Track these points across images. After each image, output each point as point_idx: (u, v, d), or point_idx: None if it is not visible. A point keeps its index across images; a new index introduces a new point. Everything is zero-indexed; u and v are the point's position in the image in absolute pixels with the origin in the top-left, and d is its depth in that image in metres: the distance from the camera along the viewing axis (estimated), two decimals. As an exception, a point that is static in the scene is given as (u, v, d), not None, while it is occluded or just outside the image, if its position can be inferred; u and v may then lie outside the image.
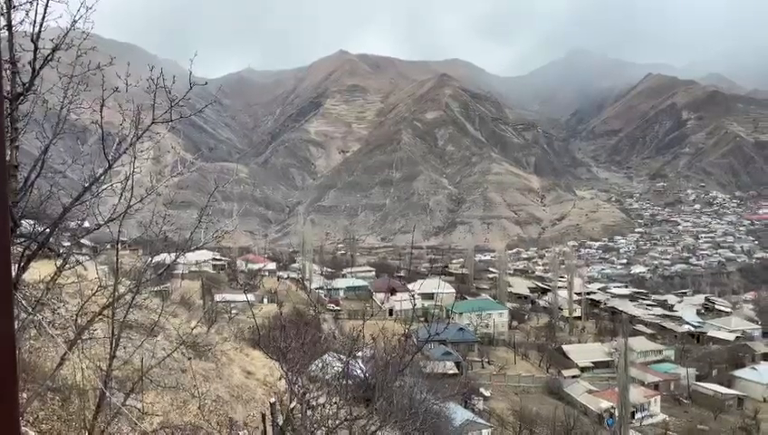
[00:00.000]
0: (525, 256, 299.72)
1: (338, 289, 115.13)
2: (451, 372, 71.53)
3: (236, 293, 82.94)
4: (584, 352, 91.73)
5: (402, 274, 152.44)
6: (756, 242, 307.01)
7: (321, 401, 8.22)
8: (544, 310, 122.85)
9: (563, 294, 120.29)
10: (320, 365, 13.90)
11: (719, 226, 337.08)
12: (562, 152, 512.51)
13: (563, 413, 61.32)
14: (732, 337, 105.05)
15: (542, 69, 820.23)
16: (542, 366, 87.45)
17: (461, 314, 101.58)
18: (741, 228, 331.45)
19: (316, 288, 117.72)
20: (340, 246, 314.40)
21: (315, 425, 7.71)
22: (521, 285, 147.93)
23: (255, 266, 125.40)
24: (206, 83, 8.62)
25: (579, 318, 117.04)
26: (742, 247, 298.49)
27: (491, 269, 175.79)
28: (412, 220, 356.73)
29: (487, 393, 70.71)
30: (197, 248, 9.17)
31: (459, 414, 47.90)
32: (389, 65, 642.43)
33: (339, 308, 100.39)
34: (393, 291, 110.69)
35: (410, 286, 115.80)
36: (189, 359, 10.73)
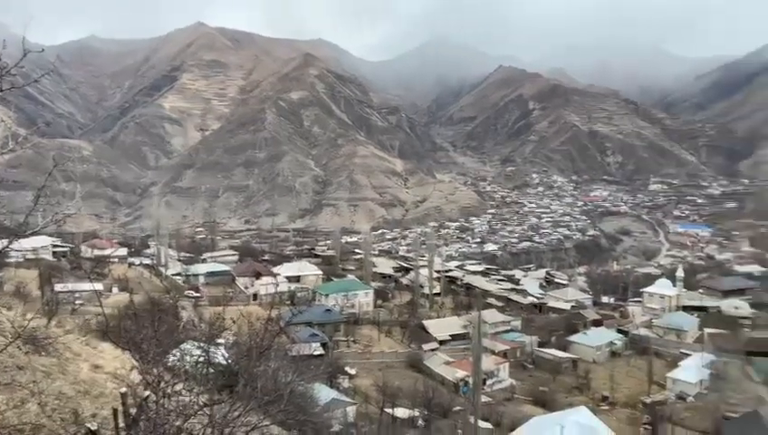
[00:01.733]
0: (390, 236, 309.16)
1: (197, 275, 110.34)
2: (317, 352, 72.15)
3: (81, 281, 76.34)
4: (443, 326, 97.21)
5: (267, 257, 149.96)
6: (589, 221, 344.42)
7: (178, 388, 7.94)
8: (407, 288, 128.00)
9: (424, 272, 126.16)
10: (178, 355, 13.34)
11: (559, 207, 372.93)
12: (424, 137, 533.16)
13: (423, 385, 64.76)
14: (568, 306, 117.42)
15: (406, 55, 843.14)
16: (405, 342, 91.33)
17: (327, 295, 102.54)
18: (576, 209, 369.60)
19: (173, 275, 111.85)
20: (199, 229, 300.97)
21: (171, 413, 7.43)
22: (385, 265, 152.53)
23: (103, 253, 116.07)
24: (43, 50, 7.77)
25: (438, 295, 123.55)
26: (577, 226, 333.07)
27: (357, 250, 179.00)
28: (277, 202, 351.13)
29: (352, 371, 72.45)
30: (34, 233, 8.32)
31: (325, 394, 48.60)
32: (250, 42, 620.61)
33: (199, 295, 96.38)
34: (258, 275, 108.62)
35: (276, 270, 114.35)
36: (27, 353, 9.77)
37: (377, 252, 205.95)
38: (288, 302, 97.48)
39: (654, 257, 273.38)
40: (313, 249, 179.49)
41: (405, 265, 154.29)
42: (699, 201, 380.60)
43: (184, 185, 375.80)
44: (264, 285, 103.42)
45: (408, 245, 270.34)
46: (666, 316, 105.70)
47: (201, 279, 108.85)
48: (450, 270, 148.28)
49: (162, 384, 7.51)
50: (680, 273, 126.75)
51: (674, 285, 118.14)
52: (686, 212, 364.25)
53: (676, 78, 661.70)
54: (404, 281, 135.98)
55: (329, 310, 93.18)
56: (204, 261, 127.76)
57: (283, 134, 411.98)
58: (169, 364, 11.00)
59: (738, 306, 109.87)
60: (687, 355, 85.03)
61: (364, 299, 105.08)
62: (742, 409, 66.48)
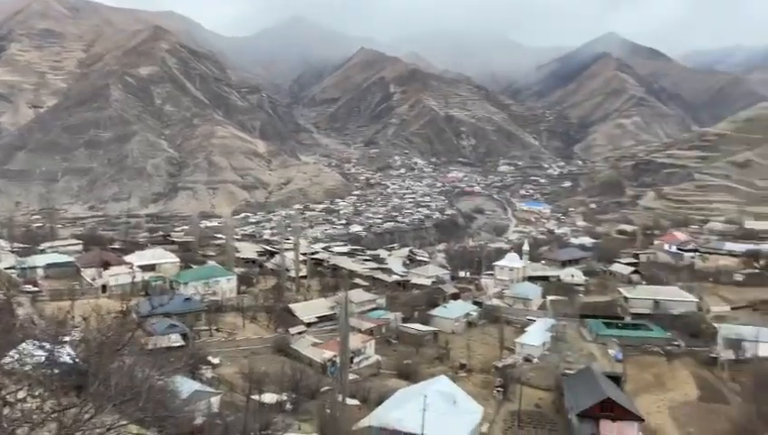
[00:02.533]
0: (253, 220, 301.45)
1: (35, 267, 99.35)
2: (177, 344, 68.78)
3: None
4: (309, 308, 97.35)
5: (117, 246, 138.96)
6: (446, 201, 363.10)
7: (21, 395, 7.08)
8: (273, 272, 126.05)
9: (290, 255, 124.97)
10: (16, 356, 11.95)
11: (419, 187, 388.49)
12: (287, 118, 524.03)
13: (291, 368, 64.54)
14: (429, 282, 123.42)
15: (266, 32, 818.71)
16: (271, 327, 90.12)
17: (186, 283, 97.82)
18: (435, 190, 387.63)
19: (6, 268, 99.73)
20: (35, 217, 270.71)
21: (15, 423, 6.62)
22: (249, 250, 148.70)
23: None
24: None
25: (305, 277, 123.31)
26: (436, 205, 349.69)
27: (218, 235, 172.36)
28: (127, 186, 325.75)
29: (216, 361, 70.12)
30: None
31: (187, 386, 46.57)
32: (91, 10, 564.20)
33: (38, 289, 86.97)
34: (106, 265, 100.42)
35: (127, 259, 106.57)
36: None
37: (239, 236, 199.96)
38: (142, 293, 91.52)
39: (504, 233, 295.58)
40: (169, 235, 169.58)
41: (270, 248, 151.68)
42: (541, 181, 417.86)
43: (15, 168, 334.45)
44: (114, 276, 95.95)
45: (272, 228, 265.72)
46: (514, 287, 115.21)
47: (40, 272, 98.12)
48: (316, 252, 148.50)
49: (3, 392, 6.65)
50: (526, 247, 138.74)
51: (521, 258, 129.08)
52: (531, 191, 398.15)
53: (521, 67, 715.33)
54: (269, 265, 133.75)
55: (188, 299, 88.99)
56: (42, 252, 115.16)
57: (132, 112, 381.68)
58: (7, 368, 9.83)
59: (574, 275, 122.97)
60: (533, 321, 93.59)
61: (227, 286, 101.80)
62: (577, 365, 74.93)
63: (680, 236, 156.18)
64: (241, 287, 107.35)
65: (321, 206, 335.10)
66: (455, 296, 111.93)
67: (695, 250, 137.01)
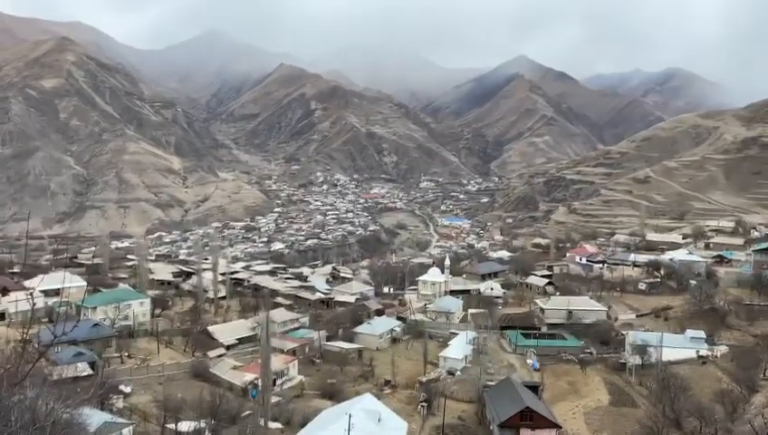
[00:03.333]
0: (168, 240, 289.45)
1: None
2: (84, 373, 64.33)
3: None
4: (229, 330, 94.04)
5: (17, 269, 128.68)
6: (370, 217, 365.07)
7: None
8: (190, 294, 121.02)
9: (209, 275, 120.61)
10: None
11: (342, 204, 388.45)
12: (204, 133, 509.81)
13: (209, 394, 61.84)
14: (353, 299, 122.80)
15: (181, 45, 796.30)
16: (188, 351, 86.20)
17: (95, 308, 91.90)
18: (358, 206, 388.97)
19: None
20: None
21: None
22: (164, 271, 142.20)
23: None
24: None
25: (224, 298, 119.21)
26: (359, 222, 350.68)
27: (130, 256, 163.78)
28: (28, 205, 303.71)
29: (128, 389, 66.07)
30: None
31: (96, 418, 43.45)
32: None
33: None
34: (5, 291, 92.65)
35: (28, 284, 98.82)
36: None
37: (153, 257, 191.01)
38: (45, 320, 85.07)
39: (426, 248, 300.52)
40: (76, 257, 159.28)
41: (186, 269, 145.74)
42: (461, 197, 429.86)
43: None
44: (13, 302, 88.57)
45: (189, 247, 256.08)
46: (437, 301, 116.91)
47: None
48: (236, 271, 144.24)
49: None
50: (447, 261, 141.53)
51: (443, 273, 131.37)
52: (451, 207, 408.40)
53: (439, 86, 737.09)
54: (186, 286, 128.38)
55: (97, 324, 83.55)
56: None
57: (34, 127, 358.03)
58: None
59: (493, 287, 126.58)
60: (455, 334, 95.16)
61: (139, 309, 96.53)
62: (498, 377, 76.78)
63: (589, 248, 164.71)
64: (155, 310, 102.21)
65: (241, 223, 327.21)
66: (379, 313, 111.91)
67: (603, 261, 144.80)
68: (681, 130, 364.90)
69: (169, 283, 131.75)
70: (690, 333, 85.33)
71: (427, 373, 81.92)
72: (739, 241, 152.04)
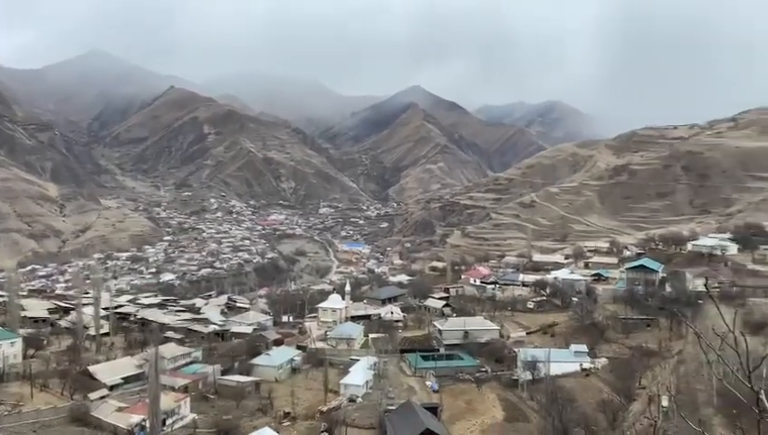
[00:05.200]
0: (43, 273, 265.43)
1: None
2: (-62, 428, 56.62)
3: None
4: (113, 369, 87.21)
5: None
6: (267, 244, 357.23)
7: None
8: (68, 331, 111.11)
9: (89, 311, 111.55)
10: None
11: (238, 231, 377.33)
12: (84, 158, 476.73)
13: (91, 440, 56.66)
14: (250, 330, 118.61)
15: (59, 65, 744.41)
16: (66, 394, 78.71)
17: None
18: (255, 233, 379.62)
19: None
20: None
21: None
22: (38, 307, 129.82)
23: None
24: None
25: (107, 334, 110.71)
26: (256, 249, 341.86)
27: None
28: None
29: (-7, 442, 58.97)
30: None
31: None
32: None
33: None
34: None
35: None
36: None
37: (26, 292, 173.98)
38: None
39: (326, 274, 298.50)
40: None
41: (64, 304, 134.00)
42: (360, 222, 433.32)
43: None
44: None
45: (67, 281, 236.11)
46: (337, 328, 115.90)
47: None
48: (121, 305, 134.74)
49: None
50: (348, 287, 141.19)
51: (343, 299, 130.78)
52: (351, 232, 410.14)
53: (336, 113, 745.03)
54: (63, 323, 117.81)
55: (-44, 371, 74.24)
56: None
57: None
58: None
59: (393, 312, 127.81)
60: (356, 361, 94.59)
61: (10, 350, 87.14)
62: (398, 400, 77.06)
63: (483, 270, 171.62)
64: (28, 351, 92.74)
65: (127, 254, 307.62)
66: (278, 343, 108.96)
67: (495, 282, 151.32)
68: (561, 159, 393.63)
69: (44, 320, 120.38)
70: (574, 347, 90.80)
71: (327, 402, 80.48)
72: (614, 260, 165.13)
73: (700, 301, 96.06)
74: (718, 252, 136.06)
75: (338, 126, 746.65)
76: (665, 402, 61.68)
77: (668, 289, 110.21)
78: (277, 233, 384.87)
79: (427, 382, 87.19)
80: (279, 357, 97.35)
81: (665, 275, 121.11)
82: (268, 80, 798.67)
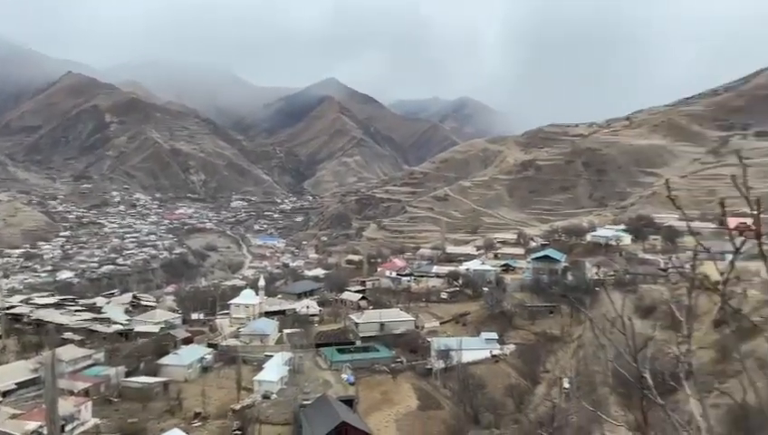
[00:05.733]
0: None
1: None
2: None
3: None
4: (5, 374, 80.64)
5: None
6: (175, 239, 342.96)
7: None
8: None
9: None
10: None
11: (143, 226, 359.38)
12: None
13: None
14: (157, 329, 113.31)
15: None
16: (-54, 405, 71.70)
17: None
18: (162, 227, 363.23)
19: None
20: None
21: None
22: None
23: None
24: None
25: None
26: (163, 244, 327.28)
27: None
28: None
29: None
30: None
31: None
32: None
33: None
34: None
35: None
36: None
37: None
38: None
39: (239, 270, 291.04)
40: None
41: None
42: (275, 216, 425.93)
43: None
44: None
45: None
46: (250, 324, 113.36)
47: None
48: (13, 306, 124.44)
49: None
50: (262, 282, 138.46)
51: (257, 294, 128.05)
52: (265, 226, 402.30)
53: (249, 104, 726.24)
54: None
55: None
56: None
57: None
58: None
59: (309, 306, 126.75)
60: (271, 357, 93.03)
61: None
62: (314, 395, 76.66)
63: (398, 262, 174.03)
64: None
65: (19, 251, 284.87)
66: (187, 341, 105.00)
67: (410, 274, 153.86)
68: (473, 154, 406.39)
69: None
70: (485, 335, 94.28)
71: (240, 400, 78.66)
72: (521, 251, 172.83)
73: (597, 288, 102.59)
74: (614, 242, 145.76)
75: (251, 117, 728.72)
76: (566, 384, 65.47)
77: (570, 278, 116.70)
78: (186, 227, 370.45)
79: (344, 375, 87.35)
80: (188, 356, 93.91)
81: (567, 264, 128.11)
82: (176, 67, 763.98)
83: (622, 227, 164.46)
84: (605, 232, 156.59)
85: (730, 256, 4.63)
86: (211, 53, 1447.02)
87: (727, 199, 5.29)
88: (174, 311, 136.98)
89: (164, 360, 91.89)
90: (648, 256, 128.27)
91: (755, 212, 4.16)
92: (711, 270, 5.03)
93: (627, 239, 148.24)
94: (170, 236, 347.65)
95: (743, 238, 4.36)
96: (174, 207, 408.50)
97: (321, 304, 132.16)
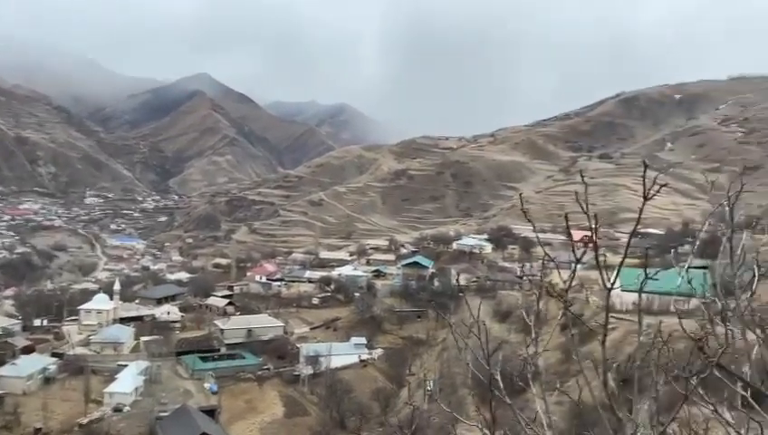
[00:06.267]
0: None
1: None
2: None
3: None
4: None
5: None
6: (17, 237, 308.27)
7: None
8: None
9: None
10: None
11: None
12: None
13: None
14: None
15: None
16: None
17: None
18: (2, 224, 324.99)
19: None
20: None
21: None
22: None
23: None
24: None
25: None
26: (3, 243, 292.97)
27: None
28: None
29: None
30: None
31: None
32: None
33: None
34: None
35: None
36: None
37: None
38: None
39: (92, 272, 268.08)
40: None
41: None
42: (135, 215, 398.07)
43: None
44: None
45: None
46: (102, 331, 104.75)
47: None
48: None
49: None
50: (117, 286, 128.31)
51: (111, 299, 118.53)
52: (123, 226, 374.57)
53: (110, 93, 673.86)
54: None
55: None
56: None
57: None
58: None
59: (170, 312, 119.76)
60: (125, 366, 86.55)
61: None
62: (173, 406, 72.50)
63: (269, 267, 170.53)
64: None
65: None
66: (28, 350, 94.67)
67: (281, 279, 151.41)
68: (348, 160, 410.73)
69: None
70: (354, 340, 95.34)
71: (88, 414, 72.29)
72: (392, 257, 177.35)
73: (461, 293, 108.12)
74: (477, 251, 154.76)
75: (112, 108, 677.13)
76: (430, 386, 68.10)
77: (437, 284, 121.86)
78: (30, 224, 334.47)
79: (206, 384, 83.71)
80: (28, 366, 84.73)
81: (434, 271, 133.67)
82: (28, 48, 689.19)
83: (485, 236, 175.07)
84: (469, 241, 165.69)
85: (577, 266, 4.99)
86: (70, 35, 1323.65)
87: (574, 214, 5.73)
88: (13, 316, 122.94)
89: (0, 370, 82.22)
90: (506, 264, 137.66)
91: (594, 226, 4.52)
92: (557, 278, 5.39)
93: (488, 248, 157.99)
94: (12, 234, 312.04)
95: (583, 249, 4.71)
96: (17, 202, 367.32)
97: (183, 309, 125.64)
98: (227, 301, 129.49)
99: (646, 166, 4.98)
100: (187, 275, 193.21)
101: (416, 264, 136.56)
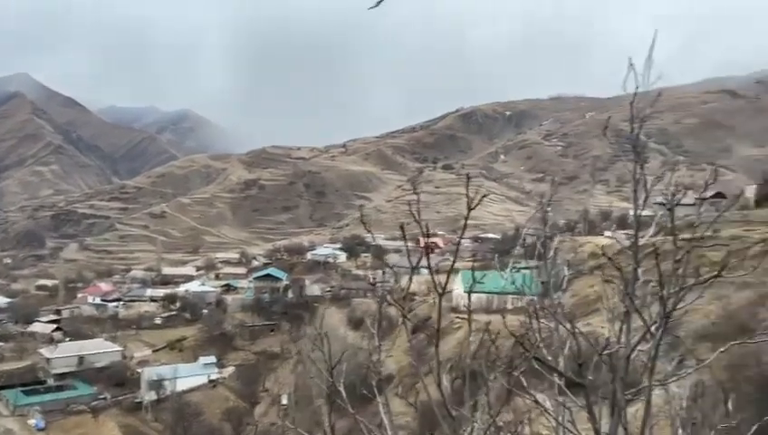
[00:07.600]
0: None
1: None
2: None
3: None
4: None
5: None
6: None
7: None
8: None
9: None
10: None
11: None
12: None
13: None
14: None
15: None
16: None
17: None
18: None
19: None
20: None
21: None
22: None
23: None
24: None
25: None
26: None
27: None
28: None
29: None
30: None
31: None
32: None
33: None
34: None
35: None
36: None
37: None
38: None
39: None
40: None
41: None
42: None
43: None
44: None
45: None
46: None
47: None
48: None
49: None
50: None
51: None
52: None
53: None
54: None
55: None
56: None
57: None
58: None
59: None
60: None
61: None
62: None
63: (104, 287, 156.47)
64: None
65: None
66: None
67: (118, 299, 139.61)
68: (194, 169, 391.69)
69: None
70: (203, 359, 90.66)
71: None
72: (243, 270, 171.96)
73: (316, 304, 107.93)
74: (331, 260, 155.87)
75: None
76: (284, 401, 66.89)
77: (291, 295, 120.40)
78: None
79: (31, 421, 74.54)
80: None
81: (288, 282, 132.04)
82: None
83: (338, 245, 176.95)
84: (323, 250, 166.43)
85: (425, 271, 5.21)
86: None
87: (421, 221, 5.95)
88: None
89: None
90: (359, 272, 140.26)
91: (426, 234, 4.70)
92: (406, 283, 5.53)
93: (342, 257, 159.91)
94: None
95: (419, 255, 4.89)
96: None
97: (2, 338, 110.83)
98: (55, 326, 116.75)
99: (468, 178, 5.43)
100: (6, 300, 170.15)
101: (269, 276, 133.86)
